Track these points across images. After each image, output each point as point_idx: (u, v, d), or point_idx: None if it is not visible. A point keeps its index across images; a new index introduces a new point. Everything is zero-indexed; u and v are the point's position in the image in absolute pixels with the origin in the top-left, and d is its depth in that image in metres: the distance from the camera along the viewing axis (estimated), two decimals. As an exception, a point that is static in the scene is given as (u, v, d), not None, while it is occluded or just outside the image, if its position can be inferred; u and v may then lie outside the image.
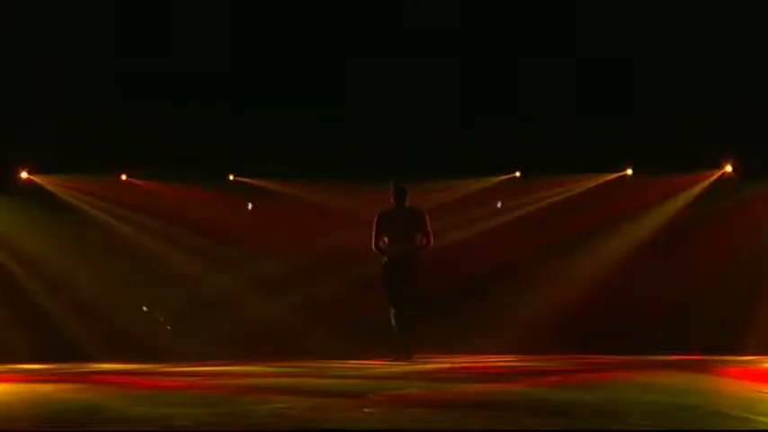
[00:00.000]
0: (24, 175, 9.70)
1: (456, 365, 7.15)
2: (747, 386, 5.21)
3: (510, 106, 8.95)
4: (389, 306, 8.03)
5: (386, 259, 8.07)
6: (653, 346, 8.87)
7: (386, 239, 8.08)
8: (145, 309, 8.89)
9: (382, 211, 8.18)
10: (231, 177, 10.08)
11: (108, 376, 6.38)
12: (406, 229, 8.05)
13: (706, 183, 9.75)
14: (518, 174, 9.98)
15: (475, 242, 9.97)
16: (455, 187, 9.97)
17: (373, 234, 8.09)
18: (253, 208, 10.30)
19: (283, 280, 10.01)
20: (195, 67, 8.80)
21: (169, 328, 8.75)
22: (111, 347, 9.22)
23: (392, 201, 8.17)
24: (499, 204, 10.25)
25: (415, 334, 7.98)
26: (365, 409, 3.87)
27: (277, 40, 8.72)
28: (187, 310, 9.83)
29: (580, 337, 9.28)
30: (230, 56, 8.76)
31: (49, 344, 9.33)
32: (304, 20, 8.61)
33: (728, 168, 9.58)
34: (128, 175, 10.03)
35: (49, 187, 9.89)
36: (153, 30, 8.61)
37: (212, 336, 9.49)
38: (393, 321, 7.98)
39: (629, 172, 9.86)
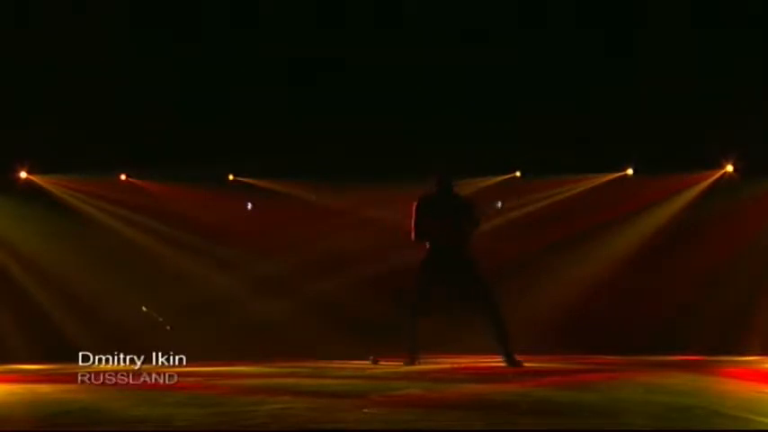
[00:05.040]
0: (24, 174, 9.71)
1: (456, 365, 7.14)
2: (747, 386, 5.21)
3: (510, 106, 8.94)
4: (410, 305, 7.08)
5: (428, 252, 7.02)
6: (653, 346, 8.88)
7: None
8: (144, 309, 8.89)
9: (423, 196, 7.13)
10: (231, 177, 10.09)
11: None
12: (455, 218, 7.02)
13: (706, 183, 9.75)
14: (518, 174, 9.99)
15: (475, 242, 9.95)
16: (455, 187, 9.94)
17: (413, 221, 7.00)
18: (252, 208, 10.30)
19: (283, 280, 10.02)
20: (195, 66, 8.80)
21: (169, 328, 8.74)
22: (111, 347, 9.20)
23: (435, 189, 7.15)
24: (499, 204, 10.24)
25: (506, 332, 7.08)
26: (365, 410, 3.87)
27: (276, 40, 8.71)
28: (187, 310, 9.82)
29: (580, 337, 9.28)
30: (230, 54, 8.76)
31: (48, 344, 9.32)
32: (303, 18, 8.61)
33: (729, 168, 9.58)
34: (128, 175, 10.04)
35: (49, 187, 9.89)
36: (152, 29, 8.60)
37: (212, 336, 9.48)
38: (408, 322, 7.11)
39: (630, 172, 9.87)
